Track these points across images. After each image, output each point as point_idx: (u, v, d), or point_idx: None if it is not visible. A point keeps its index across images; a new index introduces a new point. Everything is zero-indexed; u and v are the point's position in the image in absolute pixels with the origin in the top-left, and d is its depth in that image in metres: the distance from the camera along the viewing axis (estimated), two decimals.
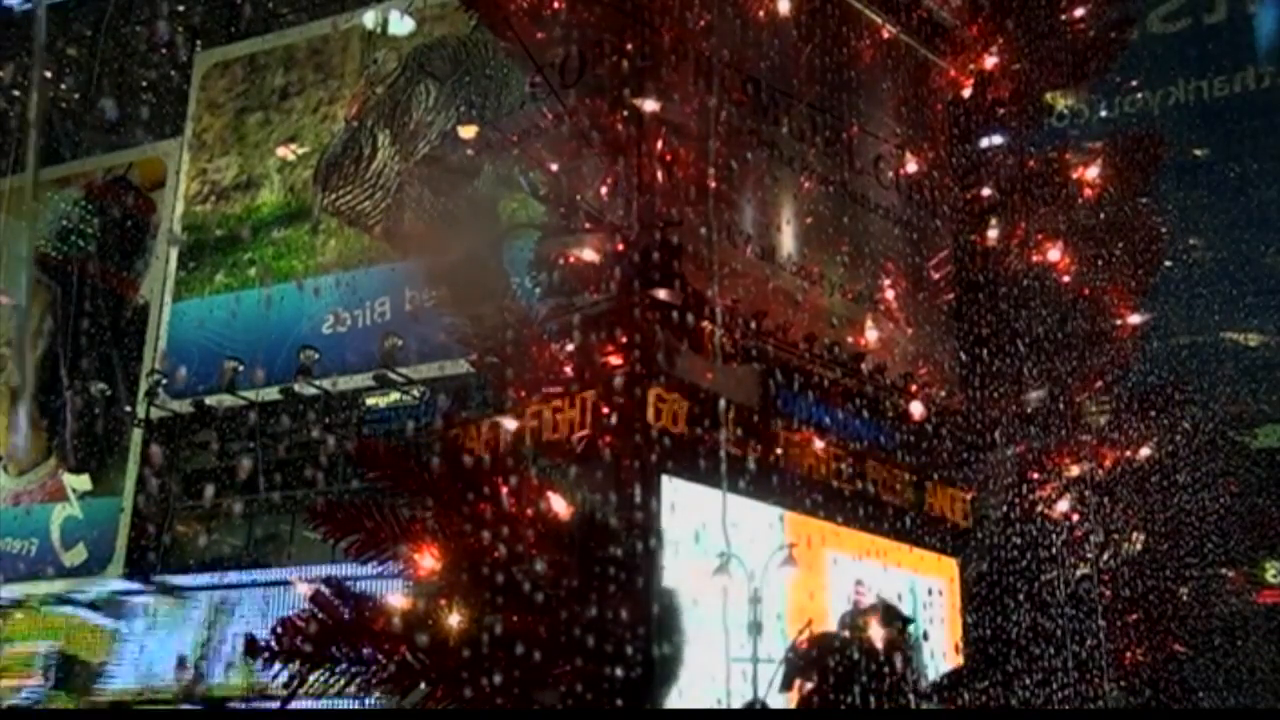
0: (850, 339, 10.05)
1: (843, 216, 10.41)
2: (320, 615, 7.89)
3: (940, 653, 9.86)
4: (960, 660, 9.87)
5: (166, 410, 23.00)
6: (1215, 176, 19.57)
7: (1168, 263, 13.13)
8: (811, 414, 9.47)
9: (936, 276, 11.10)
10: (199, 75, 25.88)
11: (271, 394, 21.75)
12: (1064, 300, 11.31)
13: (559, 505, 8.16)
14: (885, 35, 11.27)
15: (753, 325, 9.25)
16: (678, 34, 9.33)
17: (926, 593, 9.99)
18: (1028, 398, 10.75)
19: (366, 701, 9.09)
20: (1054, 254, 11.39)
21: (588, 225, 8.95)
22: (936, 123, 11.62)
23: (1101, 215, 11.86)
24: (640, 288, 8.60)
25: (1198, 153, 19.68)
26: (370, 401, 21.67)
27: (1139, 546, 10.85)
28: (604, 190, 9.03)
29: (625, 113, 9.01)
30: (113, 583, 23.03)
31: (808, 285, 9.94)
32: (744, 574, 8.55)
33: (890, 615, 8.93)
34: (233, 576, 21.59)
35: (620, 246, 8.78)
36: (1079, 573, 10.43)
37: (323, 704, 8.30)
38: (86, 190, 26.76)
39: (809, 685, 8.48)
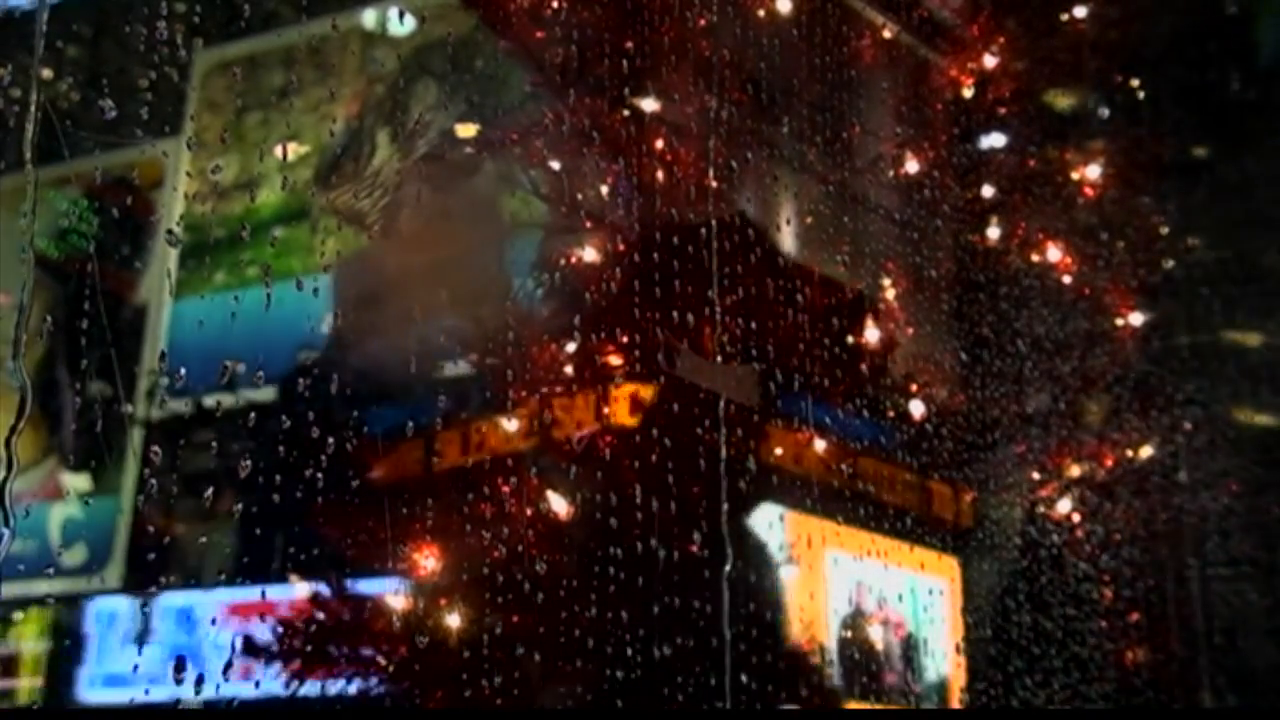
0: (850, 339, 10.03)
1: (843, 216, 10.40)
2: (320, 615, 7.88)
3: (940, 653, 9.87)
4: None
5: (166, 410, 22.99)
6: (1215, 176, 19.50)
7: (1169, 263, 13.11)
8: (811, 414, 9.45)
9: (936, 276, 11.09)
10: (199, 75, 25.85)
11: (271, 394, 21.70)
12: (1064, 300, 11.31)
13: (559, 505, 8.15)
14: (886, 34, 11.26)
15: (753, 325, 9.23)
16: (678, 33, 9.30)
17: (927, 593, 9.99)
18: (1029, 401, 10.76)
19: None
20: (1054, 254, 11.38)
21: (589, 225, 8.93)
22: (937, 122, 11.60)
23: (1101, 215, 11.86)
24: (640, 288, 8.57)
25: (1198, 153, 19.61)
26: None
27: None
28: (604, 190, 9.01)
29: (626, 113, 8.99)
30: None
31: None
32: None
33: None
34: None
35: (620, 247, 8.76)
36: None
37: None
38: (86, 190, 26.74)
39: None
